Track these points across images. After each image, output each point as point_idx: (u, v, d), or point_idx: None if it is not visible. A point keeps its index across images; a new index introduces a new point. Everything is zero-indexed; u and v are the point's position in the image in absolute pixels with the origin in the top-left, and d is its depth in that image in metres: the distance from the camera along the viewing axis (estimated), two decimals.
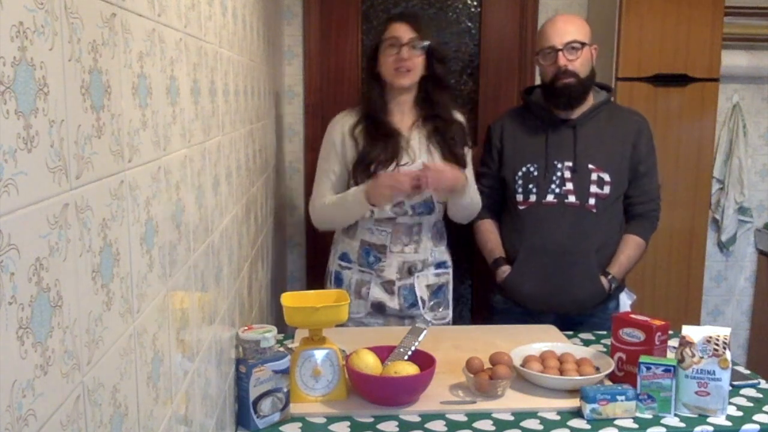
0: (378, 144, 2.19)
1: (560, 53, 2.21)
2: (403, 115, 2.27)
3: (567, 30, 2.23)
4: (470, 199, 2.27)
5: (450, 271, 2.37)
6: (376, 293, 2.26)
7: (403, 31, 2.20)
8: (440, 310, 2.32)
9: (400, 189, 2.08)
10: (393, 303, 2.26)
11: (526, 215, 2.31)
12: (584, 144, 2.28)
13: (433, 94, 2.26)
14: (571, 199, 2.27)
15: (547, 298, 2.29)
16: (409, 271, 2.26)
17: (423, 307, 2.28)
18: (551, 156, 2.28)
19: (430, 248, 2.28)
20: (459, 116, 2.33)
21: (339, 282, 2.32)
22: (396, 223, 2.22)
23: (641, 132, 2.32)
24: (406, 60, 2.18)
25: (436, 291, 2.32)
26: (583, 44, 2.23)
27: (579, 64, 2.22)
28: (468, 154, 2.32)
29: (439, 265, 2.32)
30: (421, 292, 2.28)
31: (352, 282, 2.28)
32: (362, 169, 2.20)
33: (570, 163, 2.27)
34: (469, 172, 2.32)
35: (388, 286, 2.26)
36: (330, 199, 2.24)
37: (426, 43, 2.20)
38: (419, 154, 2.22)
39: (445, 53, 2.31)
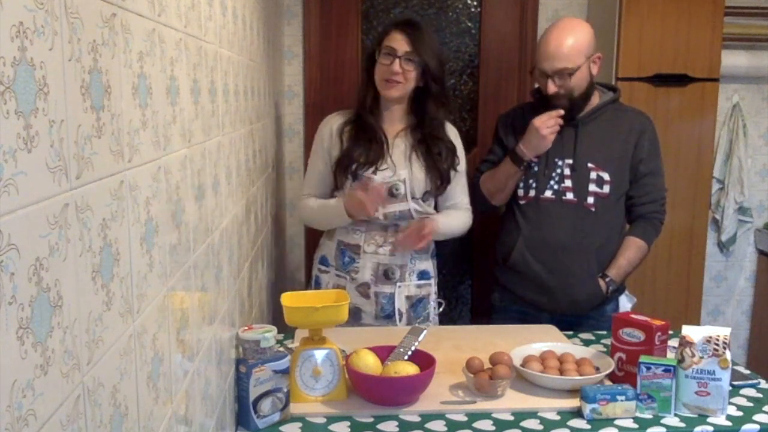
0: (360, 146, 2.20)
1: (549, 81, 2.20)
2: (393, 122, 2.26)
3: (559, 54, 2.17)
4: (447, 235, 2.31)
5: (432, 282, 2.33)
6: (353, 298, 2.21)
7: (399, 43, 2.17)
8: (417, 323, 2.30)
9: (367, 211, 2.10)
10: (369, 308, 2.24)
11: (527, 209, 2.31)
12: (585, 143, 2.27)
13: (426, 108, 2.23)
14: (569, 196, 2.27)
15: (544, 296, 2.29)
16: (386, 275, 2.23)
17: (400, 320, 2.24)
18: (552, 153, 2.28)
19: (410, 253, 2.24)
20: (452, 134, 2.30)
21: (318, 286, 2.30)
22: (371, 222, 2.21)
23: (644, 132, 2.30)
24: (397, 73, 2.16)
25: (415, 303, 2.27)
26: (574, 70, 2.17)
27: (571, 85, 2.20)
28: (455, 176, 2.29)
29: (422, 274, 2.29)
30: (400, 303, 2.24)
31: (330, 287, 2.27)
32: (342, 168, 2.21)
33: (570, 161, 2.27)
34: (456, 188, 2.32)
35: (362, 289, 2.24)
36: (314, 203, 2.27)
37: (419, 59, 2.17)
38: (400, 162, 2.21)
39: (440, 72, 2.23)
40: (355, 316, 2.23)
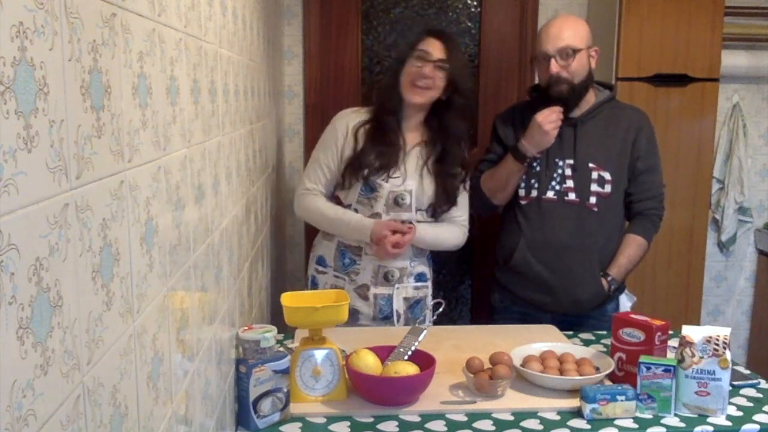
0: (376, 150, 2.17)
1: (552, 60, 2.20)
2: (410, 131, 2.24)
3: (561, 36, 2.21)
4: (432, 245, 2.28)
5: (429, 284, 2.33)
6: (351, 299, 2.22)
7: (434, 48, 2.16)
8: (416, 324, 2.29)
9: (387, 254, 2.13)
10: (367, 310, 2.23)
11: (528, 210, 2.31)
12: (585, 143, 2.28)
13: (447, 122, 2.21)
14: (571, 196, 2.27)
15: (547, 296, 2.29)
16: (386, 277, 2.22)
17: (398, 321, 2.24)
18: (552, 153, 2.28)
19: (410, 256, 2.24)
20: (465, 153, 2.28)
21: (315, 287, 2.29)
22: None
23: (641, 129, 2.31)
24: (428, 77, 2.14)
25: (413, 305, 2.28)
26: (577, 50, 2.20)
27: (573, 70, 2.21)
28: (460, 193, 2.28)
29: (419, 276, 2.29)
30: (398, 305, 2.24)
31: (327, 287, 2.25)
32: (353, 171, 2.18)
33: (571, 161, 2.27)
34: (459, 209, 2.29)
35: (361, 291, 2.23)
36: (329, 211, 2.21)
37: (451, 69, 2.15)
38: (411, 173, 2.20)
39: (468, 87, 2.22)
40: (353, 318, 2.22)
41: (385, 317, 2.24)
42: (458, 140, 2.24)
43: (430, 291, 2.33)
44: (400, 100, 2.20)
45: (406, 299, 2.26)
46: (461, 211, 2.30)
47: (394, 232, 2.13)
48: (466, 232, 2.33)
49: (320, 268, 2.30)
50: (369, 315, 2.24)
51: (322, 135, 2.30)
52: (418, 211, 2.22)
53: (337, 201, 2.27)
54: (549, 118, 2.20)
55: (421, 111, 2.22)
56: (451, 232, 2.28)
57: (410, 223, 2.18)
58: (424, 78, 2.14)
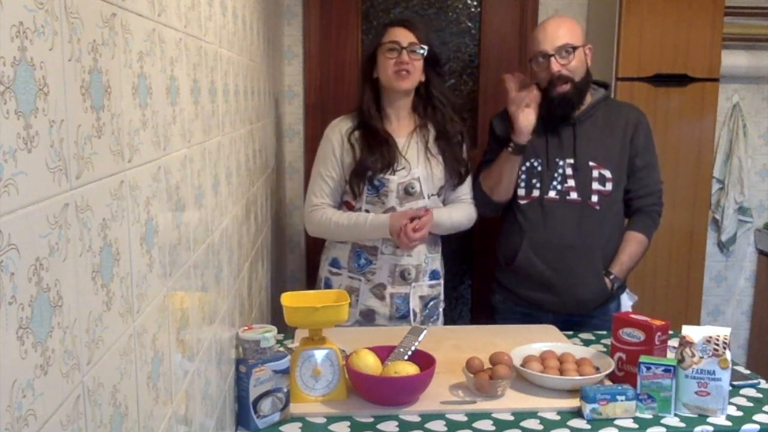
0: (374, 152, 2.18)
1: (552, 59, 2.21)
2: (399, 121, 2.26)
3: (558, 34, 2.21)
4: (450, 228, 2.30)
5: (442, 282, 2.35)
6: (366, 300, 2.23)
7: (402, 36, 2.20)
8: (431, 323, 2.30)
9: (405, 243, 2.14)
10: (384, 309, 2.24)
11: (528, 210, 2.31)
12: (584, 141, 2.28)
13: (434, 101, 2.25)
14: (573, 195, 2.27)
15: (551, 296, 2.29)
16: (402, 276, 2.23)
17: (414, 320, 2.25)
18: (552, 153, 2.28)
19: (424, 253, 2.25)
20: (459, 124, 2.31)
21: (329, 288, 2.29)
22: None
23: (638, 126, 2.32)
24: (406, 63, 2.17)
25: (428, 303, 2.29)
26: (575, 47, 2.21)
27: (573, 67, 2.22)
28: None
29: (433, 274, 2.30)
30: (415, 303, 2.25)
31: (342, 289, 2.24)
32: (359, 178, 2.19)
33: (571, 161, 2.27)
34: (464, 187, 2.33)
35: (378, 290, 2.23)
36: (339, 218, 2.20)
37: (425, 48, 2.20)
38: (414, 161, 2.22)
39: (441, 57, 2.29)
40: (369, 318, 2.24)
41: (402, 316, 2.25)
42: (447, 115, 2.27)
43: (442, 289, 2.35)
44: (376, 97, 2.24)
45: (421, 297, 2.27)
46: (466, 189, 2.34)
47: (412, 219, 2.13)
48: (474, 208, 2.36)
49: (334, 270, 2.29)
50: (386, 315, 2.24)
51: (318, 151, 2.30)
52: (431, 197, 2.23)
53: (348, 207, 2.27)
54: (515, 100, 2.22)
55: (407, 98, 2.25)
56: (463, 210, 2.32)
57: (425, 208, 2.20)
58: (403, 64, 2.18)
